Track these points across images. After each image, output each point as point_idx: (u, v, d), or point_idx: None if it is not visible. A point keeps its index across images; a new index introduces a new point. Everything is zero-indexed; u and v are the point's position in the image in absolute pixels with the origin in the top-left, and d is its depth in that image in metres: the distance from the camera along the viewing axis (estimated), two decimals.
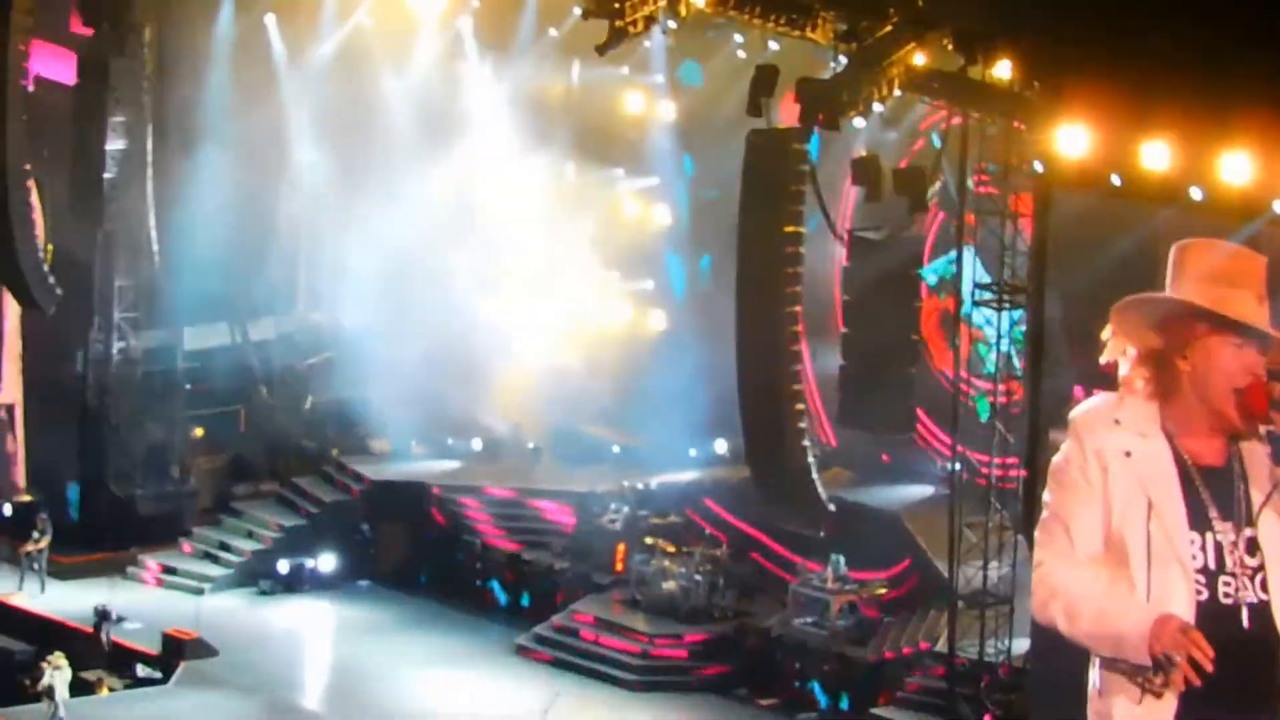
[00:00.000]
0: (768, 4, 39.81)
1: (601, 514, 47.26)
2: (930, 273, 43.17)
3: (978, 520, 38.94)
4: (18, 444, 51.35)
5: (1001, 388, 39.27)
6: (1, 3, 46.89)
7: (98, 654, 43.56)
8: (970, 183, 40.28)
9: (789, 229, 38.37)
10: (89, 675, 42.45)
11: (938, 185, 40.91)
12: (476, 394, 50.28)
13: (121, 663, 44.09)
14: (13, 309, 50.64)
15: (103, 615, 44.38)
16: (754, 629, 43.98)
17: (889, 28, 37.86)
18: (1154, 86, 34.97)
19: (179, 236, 48.79)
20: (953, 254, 41.45)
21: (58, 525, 48.50)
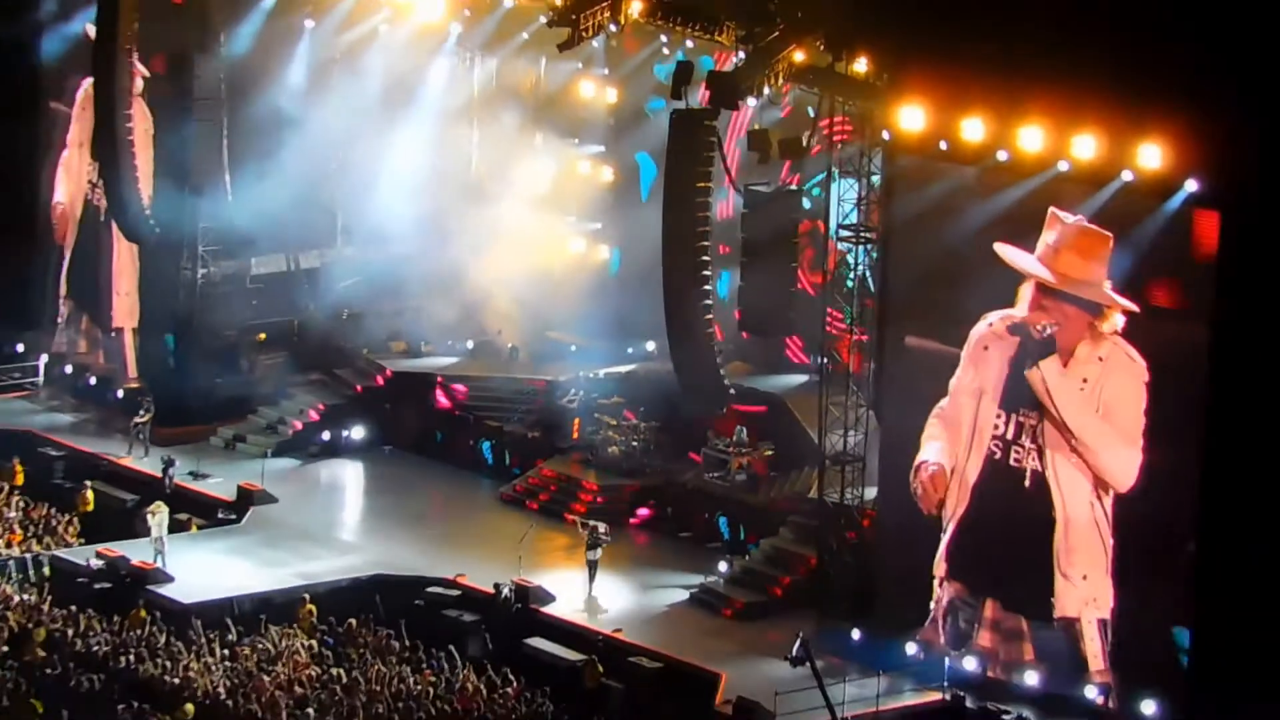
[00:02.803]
0: (686, 14, 40.37)
1: (563, 396, 47.34)
2: (809, 193, 43.25)
3: (839, 399, 38.98)
4: (128, 349, 51.51)
5: (857, 303, 39.14)
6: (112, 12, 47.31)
7: (163, 493, 44.13)
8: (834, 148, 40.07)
9: (701, 184, 38.57)
10: (181, 517, 43.17)
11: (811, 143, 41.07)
12: (470, 307, 50.27)
13: (204, 508, 44.60)
14: (130, 256, 51.16)
15: (167, 464, 45.36)
16: (675, 482, 44.25)
17: (776, 33, 38.47)
18: (970, 77, 35.63)
19: (248, 188, 48.68)
20: (821, 175, 41.59)
21: (162, 388, 49.26)
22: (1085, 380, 34.71)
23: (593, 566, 40.33)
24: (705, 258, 38.77)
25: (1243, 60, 32.33)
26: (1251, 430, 33.10)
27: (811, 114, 41.75)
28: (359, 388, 49.68)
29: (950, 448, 36.77)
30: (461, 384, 48.98)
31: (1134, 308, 34.24)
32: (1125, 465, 34.52)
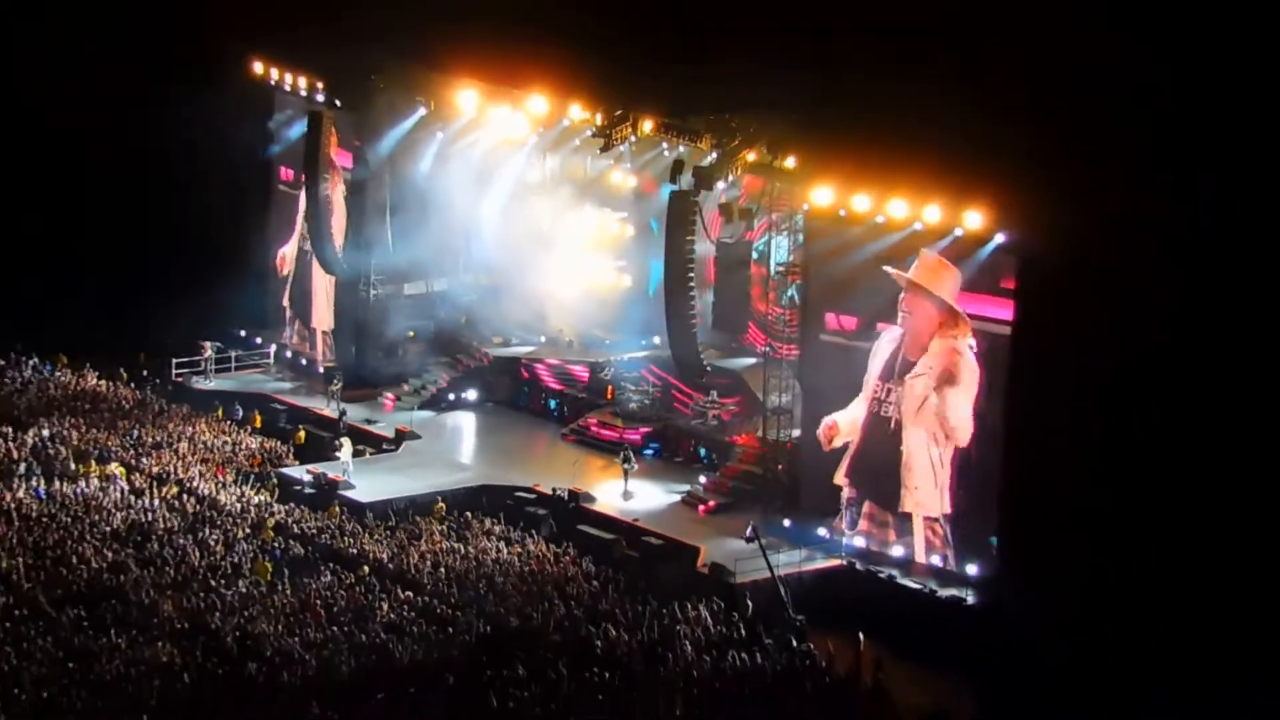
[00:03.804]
0: (678, 130, 40.16)
1: (602, 371, 46.88)
2: (756, 248, 42.72)
3: (776, 374, 39.06)
4: (320, 341, 51.45)
5: (788, 313, 39.21)
6: (316, 126, 47.47)
7: (339, 429, 44.43)
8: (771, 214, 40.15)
9: (689, 237, 38.32)
10: (360, 448, 43.22)
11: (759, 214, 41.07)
12: (542, 314, 49.78)
13: (374, 442, 44.49)
14: (325, 282, 51.04)
15: (341, 413, 45.46)
16: (673, 426, 43.98)
17: (736, 142, 38.35)
18: (859, 169, 35.86)
19: (401, 238, 48.70)
20: (765, 239, 41.19)
21: (348, 367, 49.21)
22: (931, 366, 34.97)
23: (626, 474, 40.31)
24: (691, 283, 38.64)
25: (1033, 157, 32.53)
26: (1039, 405, 33.18)
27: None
28: (471, 366, 49.24)
29: (853, 410, 36.85)
30: (537, 363, 48.47)
31: (961, 310, 34.41)
32: (940, 421, 34.97)
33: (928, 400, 34.86)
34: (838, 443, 36.93)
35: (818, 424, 37.36)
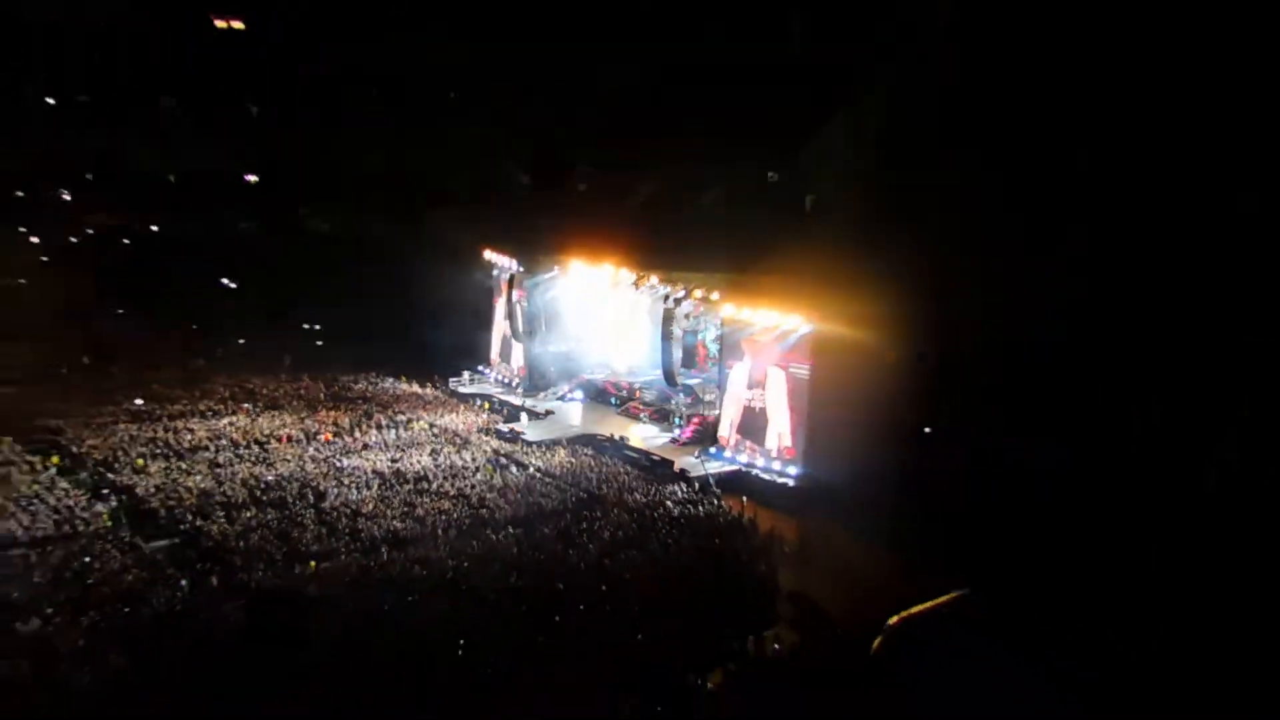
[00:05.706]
0: (668, 280, 39.55)
1: (636, 384, 46.00)
2: (701, 332, 42.50)
3: (709, 386, 39.19)
4: (516, 372, 49.40)
5: (715, 355, 39.40)
6: (511, 282, 47.19)
7: (521, 408, 43.03)
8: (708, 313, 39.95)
9: (670, 327, 38.37)
10: (530, 418, 42.70)
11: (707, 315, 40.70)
12: (610, 359, 48.84)
13: (537, 414, 43.63)
14: (518, 346, 49.39)
15: (523, 403, 43.82)
16: (663, 408, 42.95)
17: (692, 286, 37.99)
18: (745, 300, 34.92)
19: (547, 325, 47.93)
20: (705, 327, 41.02)
21: (527, 383, 47.49)
22: (775, 385, 35.09)
23: (647, 424, 40.35)
24: (672, 345, 38.70)
25: (819, 294, 32.66)
26: (819, 404, 33.15)
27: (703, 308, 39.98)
28: (575, 381, 48.14)
29: (729, 407, 36.33)
30: (607, 382, 47.58)
31: (780, 359, 34.51)
32: (776, 406, 34.60)
33: (777, 400, 35.01)
34: (725, 432, 36.78)
35: (728, 412, 37.11)
